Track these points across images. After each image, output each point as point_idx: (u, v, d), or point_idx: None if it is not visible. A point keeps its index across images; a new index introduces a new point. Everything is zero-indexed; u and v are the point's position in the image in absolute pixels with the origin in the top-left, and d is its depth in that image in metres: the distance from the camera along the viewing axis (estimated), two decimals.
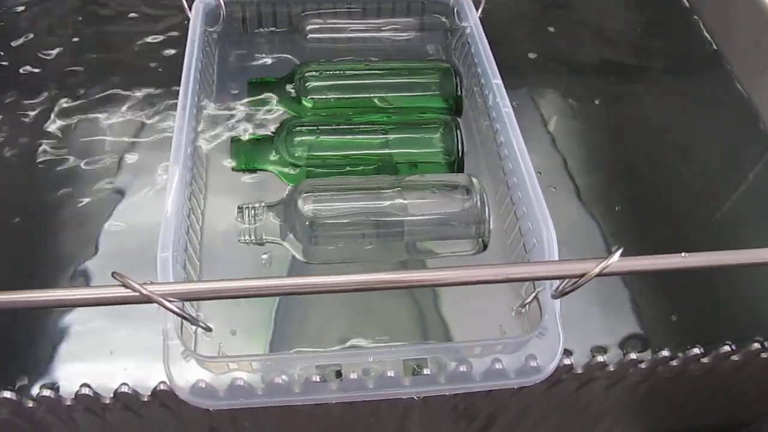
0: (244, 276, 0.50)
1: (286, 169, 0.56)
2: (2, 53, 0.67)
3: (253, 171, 0.58)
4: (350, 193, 0.52)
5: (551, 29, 0.74)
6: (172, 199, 0.47)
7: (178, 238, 0.46)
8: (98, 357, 0.48)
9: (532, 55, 0.72)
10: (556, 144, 0.64)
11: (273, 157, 0.56)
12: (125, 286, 0.33)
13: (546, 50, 0.72)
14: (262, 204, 0.52)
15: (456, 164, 0.56)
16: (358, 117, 0.59)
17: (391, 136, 0.57)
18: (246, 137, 0.58)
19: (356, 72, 0.62)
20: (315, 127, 0.57)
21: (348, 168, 0.56)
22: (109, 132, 0.62)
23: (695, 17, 0.75)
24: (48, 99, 0.64)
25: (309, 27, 0.68)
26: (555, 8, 0.77)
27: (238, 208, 0.51)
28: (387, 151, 0.57)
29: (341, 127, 0.58)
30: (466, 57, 0.66)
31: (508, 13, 0.73)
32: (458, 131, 0.57)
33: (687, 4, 0.76)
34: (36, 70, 0.66)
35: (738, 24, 0.69)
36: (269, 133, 0.59)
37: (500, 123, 0.57)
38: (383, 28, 0.69)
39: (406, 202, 0.51)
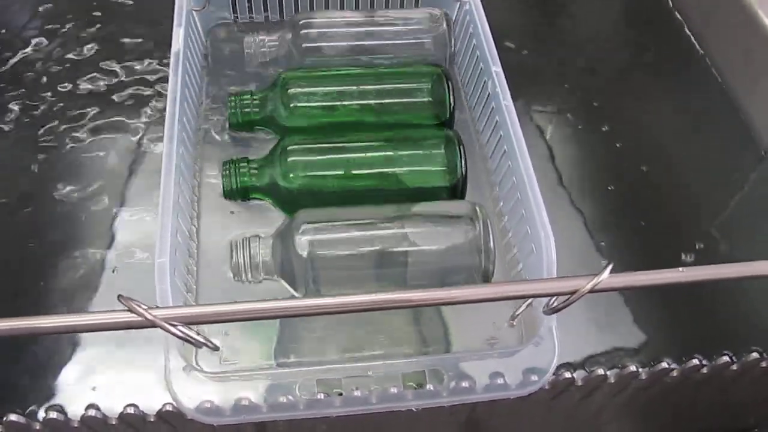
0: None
1: (281, 195, 0.54)
2: None
3: (246, 199, 0.56)
4: (349, 227, 0.50)
5: (543, 40, 0.75)
6: (166, 202, 0.47)
7: (174, 249, 0.46)
8: (103, 377, 0.49)
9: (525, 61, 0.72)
10: (553, 158, 0.64)
11: (267, 181, 0.55)
12: (130, 310, 0.33)
13: (538, 62, 0.72)
14: (257, 238, 0.50)
15: (460, 184, 0.54)
16: (352, 134, 0.57)
17: (390, 153, 0.55)
18: (236, 160, 0.56)
19: (343, 77, 0.60)
20: (310, 146, 0.55)
21: (346, 190, 0.54)
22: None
23: (686, 30, 0.75)
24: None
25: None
26: (545, 23, 0.77)
27: (230, 244, 0.50)
28: (387, 170, 0.55)
29: (338, 145, 0.56)
30: (464, 39, 0.63)
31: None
32: (461, 147, 0.55)
33: (678, 17, 0.77)
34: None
35: (728, 35, 0.70)
36: (261, 157, 0.57)
37: (499, 115, 0.55)
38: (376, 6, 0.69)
39: (407, 231, 0.50)
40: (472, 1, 0.61)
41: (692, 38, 0.74)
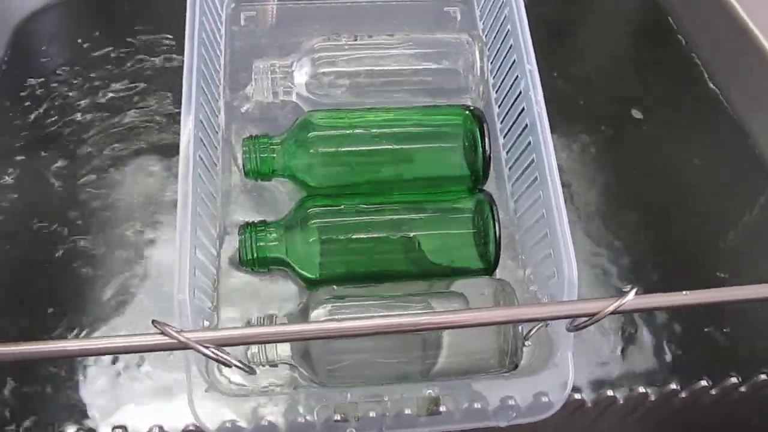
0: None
1: (301, 266, 0.53)
2: None
3: (266, 267, 0.54)
4: (370, 308, 0.50)
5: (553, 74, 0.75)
6: (184, 203, 0.48)
7: (194, 268, 0.47)
8: (130, 399, 0.51)
9: None
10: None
11: (286, 252, 0.53)
12: (163, 333, 0.36)
13: (550, 84, 0.73)
14: (274, 317, 0.50)
15: (492, 253, 0.52)
16: (377, 191, 0.56)
17: (417, 216, 0.54)
18: (255, 223, 0.54)
19: (369, 123, 0.56)
20: (331, 210, 0.53)
21: (370, 262, 0.53)
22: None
23: (693, 55, 0.77)
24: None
25: None
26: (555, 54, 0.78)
27: (247, 322, 0.50)
28: (410, 233, 0.53)
29: (364, 218, 0.54)
30: (495, 25, 0.61)
31: None
32: (493, 209, 0.53)
33: (684, 42, 0.79)
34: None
35: (736, 62, 0.72)
36: (280, 220, 0.55)
37: (529, 118, 0.53)
38: None
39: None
40: None
41: (701, 66, 0.76)
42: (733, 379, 0.55)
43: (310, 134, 0.55)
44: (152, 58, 0.72)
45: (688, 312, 0.58)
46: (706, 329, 0.58)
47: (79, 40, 0.73)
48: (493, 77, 0.62)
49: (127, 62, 0.72)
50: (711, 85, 0.75)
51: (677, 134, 0.71)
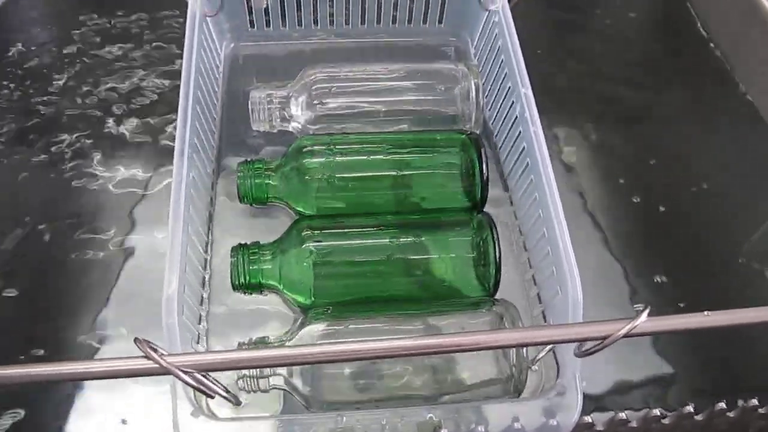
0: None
1: (294, 289, 0.52)
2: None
3: (259, 291, 0.54)
4: (365, 332, 0.49)
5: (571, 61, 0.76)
6: (175, 225, 0.48)
7: (183, 285, 0.47)
8: (112, 418, 0.51)
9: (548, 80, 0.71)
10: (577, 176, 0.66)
11: (280, 275, 0.52)
12: (147, 357, 0.35)
13: (563, 80, 0.74)
14: (266, 341, 0.49)
15: (492, 275, 0.52)
16: (372, 216, 0.56)
17: (415, 238, 0.53)
18: (248, 245, 0.54)
19: (364, 149, 0.57)
20: (326, 232, 0.53)
21: (366, 286, 0.53)
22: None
23: (712, 46, 0.77)
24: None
25: None
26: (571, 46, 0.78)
27: (238, 346, 0.49)
28: (408, 256, 0.53)
29: (358, 232, 0.54)
30: (491, 55, 0.63)
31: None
32: (493, 231, 0.53)
33: (704, 33, 0.78)
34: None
35: (753, 53, 0.72)
36: (273, 242, 0.54)
37: (526, 142, 0.54)
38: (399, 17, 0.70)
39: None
40: (502, 12, 0.61)
41: (720, 57, 0.76)
42: (753, 401, 0.54)
43: (305, 160, 0.56)
44: (137, 41, 0.74)
45: (707, 331, 0.57)
46: (724, 349, 0.57)
47: (58, 22, 0.75)
48: (489, 109, 0.64)
49: (112, 46, 0.74)
50: (730, 75, 0.75)
51: (696, 130, 0.71)
